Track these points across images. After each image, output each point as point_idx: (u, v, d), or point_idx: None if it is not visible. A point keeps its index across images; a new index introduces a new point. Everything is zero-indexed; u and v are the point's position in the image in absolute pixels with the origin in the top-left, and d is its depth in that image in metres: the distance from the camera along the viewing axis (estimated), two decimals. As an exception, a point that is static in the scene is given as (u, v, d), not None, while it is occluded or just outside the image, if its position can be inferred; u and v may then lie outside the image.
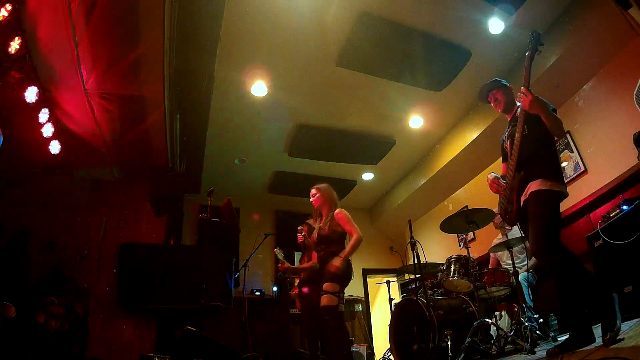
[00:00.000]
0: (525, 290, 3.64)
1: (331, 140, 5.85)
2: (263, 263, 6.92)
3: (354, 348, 5.33)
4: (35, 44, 3.05)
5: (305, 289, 3.84)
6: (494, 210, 3.60)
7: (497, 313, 4.04)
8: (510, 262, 3.48)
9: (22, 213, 3.99)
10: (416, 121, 5.62)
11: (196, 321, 4.05)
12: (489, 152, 5.63)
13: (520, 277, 3.66)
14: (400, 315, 3.67)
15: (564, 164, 4.55)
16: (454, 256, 3.64)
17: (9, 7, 2.56)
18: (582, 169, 4.39)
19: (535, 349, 2.66)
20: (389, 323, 3.81)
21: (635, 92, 3.23)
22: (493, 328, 3.35)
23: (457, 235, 6.28)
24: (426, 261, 4.07)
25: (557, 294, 2.09)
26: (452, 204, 6.71)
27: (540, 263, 2.12)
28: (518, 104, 2.45)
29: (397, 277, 7.45)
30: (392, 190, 7.62)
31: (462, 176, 6.30)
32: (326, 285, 2.99)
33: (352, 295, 7.10)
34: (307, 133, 5.62)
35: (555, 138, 2.36)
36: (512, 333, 2.96)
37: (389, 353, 4.30)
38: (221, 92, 4.64)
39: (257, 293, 6.55)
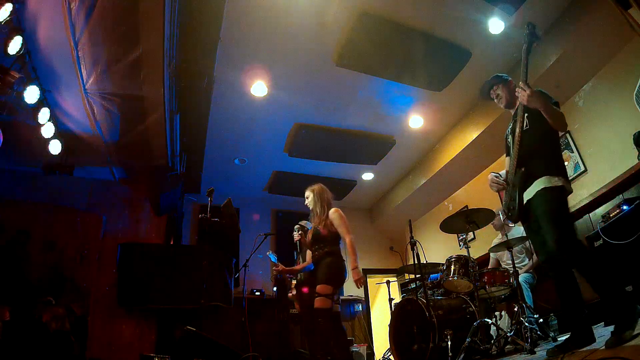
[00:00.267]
0: (525, 291, 3.64)
1: (331, 140, 5.85)
2: (263, 263, 6.91)
3: (354, 348, 5.33)
4: (35, 44, 3.05)
5: (305, 289, 3.84)
6: (493, 210, 3.60)
7: (497, 313, 4.04)
8: (510, 262, 3.48)
9: (22, 213, 3.99)
10: (416, 121, 5.62)
11: (196, 321, 4.05)
12: (489, 152, 5.63)
13: (521, 278, 3.66)
14: (400, 315, 3.67)
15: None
16: (454, 256, 3.65)
17: (9, 7, 2.56)
18: (582, 169, 4.39)
19: (535, 349, 2.66)
20: (389, 323, 3.82)
21: (635, 92, 3.23)
22: (493, 328, 3.35)
23: (457, 235, 6.28)
24: (426, 261, 4.07)
25: (592, 286, 1.99)
26: (452, 204, 6.71)
27: (561, 262, 2.06)
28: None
29: (397, 277, 7.45)
30: (392, 190, 7.62)
31: (462, 176, 6.30)
32: (319, 288, 2.97)
33: (352, 295, 7.10)
34: (307, 133, 5.62)
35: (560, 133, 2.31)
36: (512, 333, 2.96)
37: (389, 353, 4.31)
38: (221, 92, 4.64)
39: (257, 293, 6.55)
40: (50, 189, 4.28)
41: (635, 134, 3.34)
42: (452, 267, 3.57)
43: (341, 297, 6.76)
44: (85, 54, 3.12)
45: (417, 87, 4.93)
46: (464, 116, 5.63)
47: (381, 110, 5.37)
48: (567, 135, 4.51)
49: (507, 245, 3.51)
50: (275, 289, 6.33)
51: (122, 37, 3.07)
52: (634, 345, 1.68)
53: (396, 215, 7.52)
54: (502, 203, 2.60)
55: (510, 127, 2.49)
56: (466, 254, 3.55)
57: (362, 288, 7.67)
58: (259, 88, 4.73)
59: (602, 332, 2.30)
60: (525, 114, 2.29)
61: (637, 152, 3.36)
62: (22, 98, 3.14)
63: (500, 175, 2.47)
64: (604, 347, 1.78)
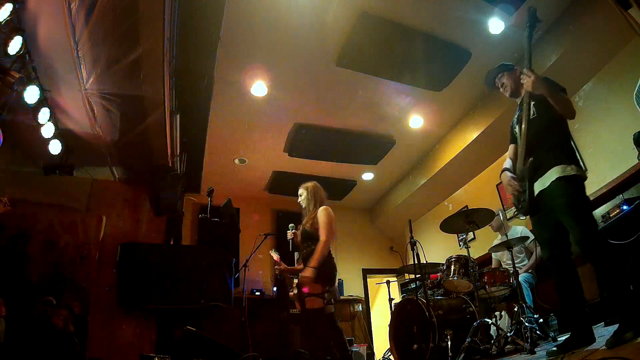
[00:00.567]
0: (525, 291, 3.64)
1: (331, 140, 5.85)
2: (263, 263, 6.92)
3: (354, 348, 5.33)
4: (35, 44, 3.05)
5: (305, 289, 3.84)
6: (493, 210, 3.60)
7: (497, 313, 4.05)
8: (510, 262, 3.48)
9: (22, 213, 3.99)
10: (416, 121, 5.62)
11: (196, 321, 4.06)
12: (489, 152, 5.63)
13: (521, 278, 3.66)
14: (400, 315, 3.68)
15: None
16: (454, 256, 3.65)
17: (9, 7, 2.56)
18: (583, 169, 4.39)
19: (535, 349, 2.66)
20: (389, 323, 3.82)
21: (635, 92, 3.23)
22: (493, 328, 3.35)
23: (457, 235, 6.28)
24: (426, 261, 4.07)
25: (607, 281, 1.93)
26: (452, 204, 6.71)
27: (587, 254, 1.97)
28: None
29: (397, 277, 7.45)
30: (392, 190, 7.62)
31: (462, 176, 6.30)
32: (308, 288, 2.90)
33: (352, 295, 7.10)
34: (307, 133, 5.62)
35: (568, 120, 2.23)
36: (512, 333, 2.96)
37: (389, 353, 4.31)
38: (221, 92, 4.64)
39: (257, 293, 6.55)
40: (50, 189, 4.28)
41: (635, 134, 3.34)
42: (452, 267, 3.57)
43: (341, 297, 6.76)
44: (85, 54, 3.12)
45: (417, 87, 4.93)
46: (464, 116, 5.63)
47: (381, 110, 5.37)
48: (567, 135, 4.51)
49: (507, 245, 3.51)
50: (275, 289, 6.33)
51: (122, 37, 3.07)
52: (634, 345, 1.68)
53: (396, 215, 7.52)
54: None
55: (516, 116, 2.42)
56: (466, 254, 3.55)
57: (363, 288, 7.67)
58: (259, 88, 4.72)
59: (602, 332, 2.31)
60: (532, 102, 2.22)
61: (637, 152, 3.35)
62: (22, 98, 3.14)
63: (516, 176, 2.32)
64: (604, 347, 1.78)
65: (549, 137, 2.18)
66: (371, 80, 4.76)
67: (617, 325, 1.83)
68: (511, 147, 2.48)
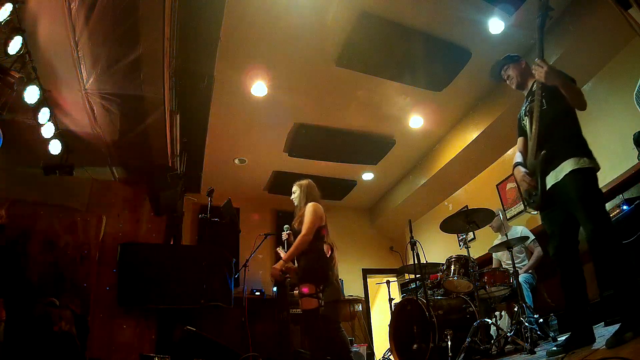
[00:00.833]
0: (525, 291, 3.64)
1: (331, 140, 5.85)
2: (263, 263, 6.92)
3: (354, 348, 5.33)
4: (35, 44, 3.05)
5: (305, 289, 3.84)
6: (493, 210, 3.60)
7: (497, 313, 4.05)
8: (510, 262, 3.48)
9: (22, 213, 3.99)
10: (416, 121, 5.62)
11: (196, 321, 4.05)
12: (489, 152, 5.64)
13: (521, 278, 3.66)
14: (400, 315, 3.68)
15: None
16: (454, 256, 3.65)
17: (9, 7, 2.56)
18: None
19: (535, 349, 2.66)
20: (389, 323, 3.82)
21: (635, 92, 3.23)
22: (493, 328, 3.35)
23: (457, 235, 6.28)
24: (426, 261, 4.07)
25: (613, 278, 1.89)
26: (452, 204, 6.71)
27: (598, 248, 1.93)
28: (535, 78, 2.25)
29: (397, 277, 7.46)
30: (392, 190, 7.62)
31: (462, 176, 6.30)
32: (302, 289, 2.83)
33: (352, 295, 7.10)
34: (307, 133, 5.62)
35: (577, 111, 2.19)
36: (512, 333, 2.96)
37: (389, 353, 4.31)
38: (221, 92, 4.64)
39: (257, 293, 6.56)
40: (50, 189, 4.28)
41: (635, 134, 3.34)
42: (452, 267, 3.58)
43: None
44: (85, 54, 3.12)
45: (417, 87, 4.93)
46: (464, 116, 5.63)
47: (381, 110, 5.37)
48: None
49: (507, 245, 3.51)
50: (275, 289, 6.33)
51: (122, 37, 3.07)
52: (634, 345, 1.68)
53: (396, 215, 7.52)
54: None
55: (524, 108, 2.37)
56: (466, 254, 3.55)
57: (363, 288, 7.67)
58: (259, 88, 4.73)
59: (602, 332, 2.31)
60: (542, 93, 2.17)
61: (637, 152, 3.35)
62: (22, 98, 3.14)
63: (528, 171, 2.26)
64: (604, 347, 1.78)
65: (560, 128, 2.14)
66: (371, 80, 4.76)
67: (617, 325, 1.82)
68: (520, 139, 2.42)
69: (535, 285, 3.89)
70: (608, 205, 3.77)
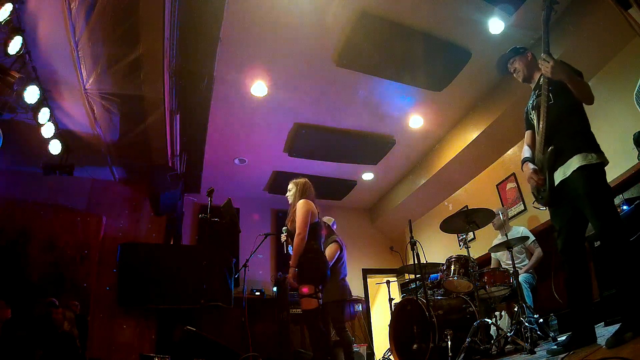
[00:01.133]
0: (525, 291, 3.64)
1: (331, 140, 5.84)
2: (263, 263, 6.92)
3: (354, 348, 5.33)
4: (35, 44, 3.05)
5: (304, 290, 3.83)
6: (493, 210, 3.60)
7: (497, 313, 4.05)
8: (510, 262, 3.48)
9: (22, 213, 3.99)
10: (416, 121, 5.62)
11: (196, 321, 4.06)
12: (489, 152, 5.63)
13: (521, 278, 3.66)
14: (400, 315, 3.68)
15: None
16: (454, 256, 3.65)
17: (9, 7, 2.56)
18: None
19: (535, 349, 2.66)
20: (389, 323, 3.82)
21: (635, 92, 3.23)
22: (493, 328, 3.35)
23: (457, 235, 6.27)
24: (426, 261, 4.07)
25: (619, 275, 1.87)
26: (452, 204, 6.70)
27: (607, 245, 1.92)
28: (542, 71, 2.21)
29: (397, 277, 7.45)
30: (392, 190, 7.62)
31: (462, 176, 6.30)
32: (300, 289, 2.82)
33: (352, 295, 7.09)
34: (307, 133, 5.62)
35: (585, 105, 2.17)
36: (512, 333, 2.96)
37: (389, 353, 4.30)
38: (221, 92, 4.64)
39: (257, 293, 6.55)
40: (50, 189, 4.28)
41: (635, 134, 3.34)
42: (452, 267, 3.57)
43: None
44: (85, 54, 3.12)
45: (417, 87, 4.93)
46: (464, 116, 5.63)
47: (381, 110, 5.37)
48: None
49: (507, 245, 3.51)
50: (275, 289, 6.33)
51: (122, 37, 3.07)
52: (634, 345, 1.68)
53: (396, 215, 7.51)
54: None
55: (531, 102, 2.35)
56: (466, 254, 3.55)
57: (363, 288, 7.67)
58: (259, 88, 4.72)
59: (602, 332, 2.30)
60: (549, 87, 2.14)
61: (637, 152, 3.35)
62: (22, 98, 3.14)
63: (537, 168, 2.22)
64: (604, 347, 1.78)
65: (568, 123, 2.12)
66: (371, 80, 4.76)
67: (617, 325, 1.82)
68: (528, 133, 2.39)
69: (535, 285, 3.89)
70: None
